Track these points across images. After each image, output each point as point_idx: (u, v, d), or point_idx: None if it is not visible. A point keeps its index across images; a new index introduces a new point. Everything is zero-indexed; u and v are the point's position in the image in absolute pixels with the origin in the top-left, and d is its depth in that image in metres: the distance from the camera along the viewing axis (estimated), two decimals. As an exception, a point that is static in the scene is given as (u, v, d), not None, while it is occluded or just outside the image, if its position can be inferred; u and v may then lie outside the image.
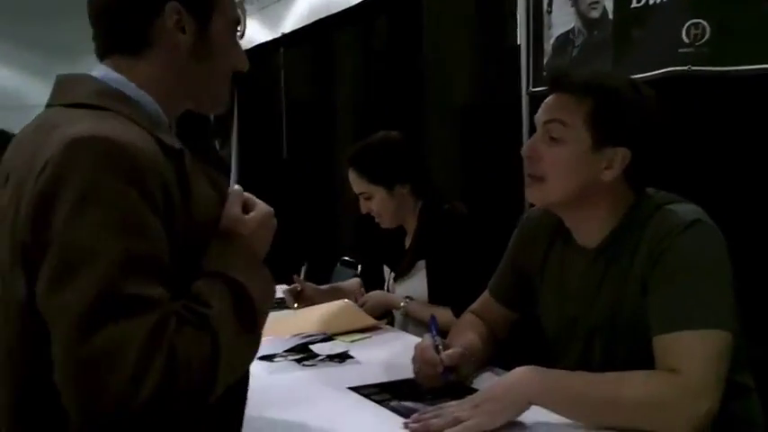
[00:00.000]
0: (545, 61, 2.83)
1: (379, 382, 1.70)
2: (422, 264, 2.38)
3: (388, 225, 2.45)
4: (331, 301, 2.40)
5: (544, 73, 2.79)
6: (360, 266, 3.10)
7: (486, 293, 1.89)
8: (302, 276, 2.63)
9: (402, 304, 2.38)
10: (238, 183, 5.41)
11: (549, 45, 2.80)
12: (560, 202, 1.58)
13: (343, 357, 1.92)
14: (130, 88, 1.15)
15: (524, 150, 1.58)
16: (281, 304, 2.53)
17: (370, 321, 2.24)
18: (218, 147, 6.07)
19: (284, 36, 4.88)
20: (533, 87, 2.85)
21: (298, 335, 2.08)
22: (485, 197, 3.09)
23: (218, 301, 1.04)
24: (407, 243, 2.47)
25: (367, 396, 1.61)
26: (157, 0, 1.16)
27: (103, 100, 1.11)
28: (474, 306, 1.92)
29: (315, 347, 1.99)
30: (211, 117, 6.07)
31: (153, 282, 0.98)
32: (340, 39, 4.31)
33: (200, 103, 1.26)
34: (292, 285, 2.56)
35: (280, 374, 1.83)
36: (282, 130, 5.05)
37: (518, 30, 2.88)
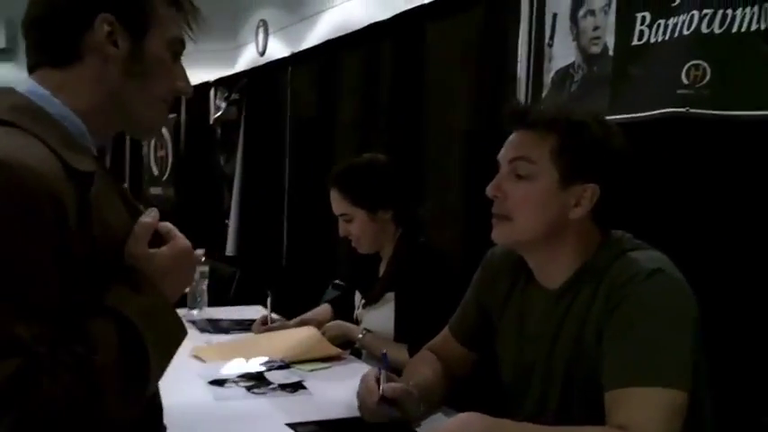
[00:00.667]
0: (544, 94, 2.74)
1: (324, 418, 1.61)
2: (391, 295, 2.27)
3: (365, 251, 2.36)
4: None
5: (542, 107, 2.71)
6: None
7: (445, 330, 1.80)
8: (269, 307, 2.52)
9: (359, 336, 2.27)
10: (241, 197, 5.42)
11: (548, 78, 2.72)
12: (527, 242, 1.50)
13: (295, 387, 1.83)
14: (54, 105, 1.08)
15: (489, 189, 1.50)
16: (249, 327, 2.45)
17: (332, 351, 2.14)
18: (222, 161, 6.01)
19: (293, 55, 4.84)
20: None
21: (256, 360, 1.99)
22: (482, 223, 3.00)
23: (105, 345, 0.96)
24: (381, 271, 2.37)
25: (301, 435, 1.51)
26: (87, 10, 1.08)
27: (14, 115, 1.03)
28: (432, 343, 1.83)
29: (269, 375, 1.90)
30: (218, 131, 6.05)
31: (23, 320, 0.89)
32: (346, 60, 4.25)
33: (130, 125, 1.18)
34: (261, 317, 2.49)
35: (225, 401, 1.74)
36: (286, 147, 4.98)
37: (518, 62, 2.79)
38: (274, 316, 2.48)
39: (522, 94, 2.79)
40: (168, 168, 7.02)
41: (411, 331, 2.12)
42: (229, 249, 5.61)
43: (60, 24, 1.09)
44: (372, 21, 3.81)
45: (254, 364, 1.97)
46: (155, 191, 7.36)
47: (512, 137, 1.52)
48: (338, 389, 1.82)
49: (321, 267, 4.44)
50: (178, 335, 1.09)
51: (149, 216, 1.09)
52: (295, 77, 4.90)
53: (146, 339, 0.99)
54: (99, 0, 1.09)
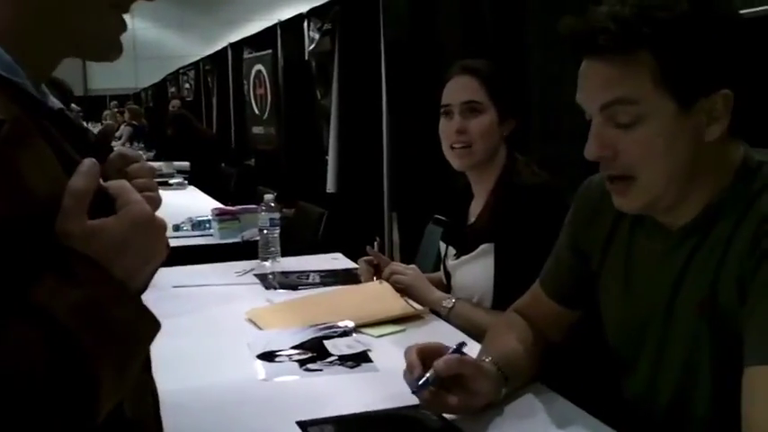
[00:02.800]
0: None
1: (382, 407, 1.29)
2: (489, 248, 1.86)
3: (472, 161, 1.92)
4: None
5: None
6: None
7: (535, 285, 1.45)
8: (376, 248, 2.22)
9: (446, 305, 1.87)
10: (339, 131, 5.19)
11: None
12: (664, 195, 1.11)
13: (357, 360, 1.53)
14: None
15: (590, 151, 1.11)
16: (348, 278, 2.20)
17: (406, 309, 1.82)
18: (319, 96, 5.76)
19: (383, -25, 4.49)
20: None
21: (316, 325, 1.71)
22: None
23: (19, 359, 0.68)
24: (472, 212, 2.00)
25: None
26: None
27: None
28: (520, 302, 1.48)
29: (329, 343, 1.61)
30: (313, 65, 5.77)
31: None
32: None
33: (74, 41, 0.86)
34: (367, 257, 2.17)
35: (272, 381, 1.45)
36: (382, 75, 4.66)
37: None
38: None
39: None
40: (268, 107, 6.84)
41: (519, 294, 1.61)
42: (330, 186, 5.38)
43: None
44: None
45: (314, 330, 1.68)
46: (257, 130, 7.24)
47: (586, 69, 1.10)
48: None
49: (425, 203, 4.15)
50: (141, 331, 0.78)
51: (82, 175, 0.76)
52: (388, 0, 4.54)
53: (85, 345, 0.70)
54: None
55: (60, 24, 0.83)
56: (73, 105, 10.50)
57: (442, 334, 1.72)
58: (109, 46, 0.88)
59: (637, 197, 1.12)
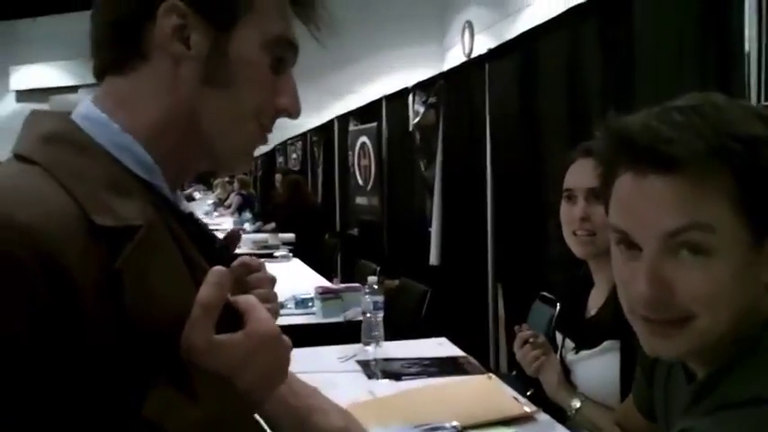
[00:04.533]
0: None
1: None
2: (614, 345, 1.73)
3: (598, 248, 1.77)
4: None
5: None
6: (558, 305, 2.48)
7: (629, 398, 1.36)
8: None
9: (574, 405, 1.74)
10: (443, 203, 5.19)
11: (787, 48, 2.17)
12: (713, 344, 0.90)
13: (464, 468, 1.47)
14: (109, 132, 0.79)
15: (643, 293, 0.88)
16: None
17: (515, 409, 1.74)
18: (423, 167, 5.77)
19: (490, 51, 4.53)
20: (765, 101, 2.23)
21: (420, 425, 1.65)
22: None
23: None
24: (592, 303, 1.87)
25: None
26: None
27: (43, 152, 0.75)
28: (621, 409, 1.41)
29: (434, 446, 1.55)
30: (417, 137, 5.81)
31: None
32: (546, 48, 3.85)
33: (207, 153, 0.85)
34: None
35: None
36: (486, 148, 4.65)
37: (746, 32, 2.26)
38: None
39: (752, 71, 2.27)
40: (372, 178, 6.91)
41: None
42: (433, 259, 5.35)
43: (117, 15, 0.80)
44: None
45: (418, 431, 1.62)
46: (360, 201, 7.30)
47: (645, 188, 0.88)
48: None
49: (530, 276, 4.06)
50: None
51: (212, 287, 0.74)
52: (493, 74, 4.56)
53: None
54: None
55: (199, 132, 0.83)
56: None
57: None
58: (236, 160, 0.88)
59: (685, 341, 0.89)
